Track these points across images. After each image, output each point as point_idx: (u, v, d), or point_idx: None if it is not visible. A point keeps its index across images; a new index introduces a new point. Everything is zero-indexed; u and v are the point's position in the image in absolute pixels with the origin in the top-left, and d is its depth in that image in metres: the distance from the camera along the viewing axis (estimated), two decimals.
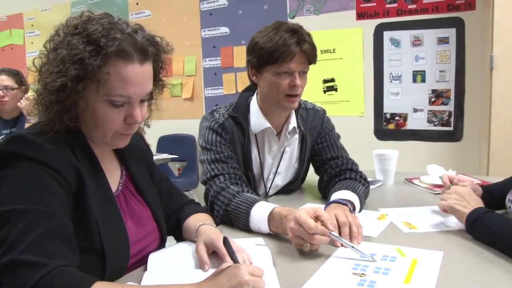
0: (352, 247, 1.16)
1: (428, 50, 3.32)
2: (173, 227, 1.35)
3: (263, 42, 1.60)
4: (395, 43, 3.43)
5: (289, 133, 1.77)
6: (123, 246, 1.07)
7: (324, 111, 1.92)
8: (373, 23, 3.47)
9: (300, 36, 1.59)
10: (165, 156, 3.71)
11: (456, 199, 1.35)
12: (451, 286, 0.98)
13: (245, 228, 1.40)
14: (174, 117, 4.28)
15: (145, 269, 1.09)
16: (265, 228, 1.35)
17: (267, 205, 1.38)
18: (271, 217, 1.34)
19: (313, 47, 1.62)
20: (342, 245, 1.22)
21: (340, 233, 1.24)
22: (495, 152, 2.65)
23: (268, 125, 1.73)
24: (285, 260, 1.15)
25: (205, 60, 4.23)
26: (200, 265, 1.08)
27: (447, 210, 1.38)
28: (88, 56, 0.95)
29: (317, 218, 1.20)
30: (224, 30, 4.10)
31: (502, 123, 2.62)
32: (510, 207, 1.47)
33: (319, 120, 1.87)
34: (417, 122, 3.45)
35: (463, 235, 1.29)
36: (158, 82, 1.15)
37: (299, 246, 1.19)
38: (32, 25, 5.43)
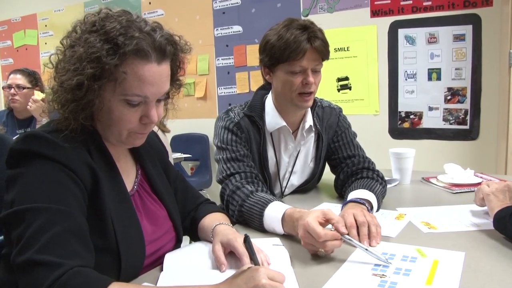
0: (366, 249, 1.12)
1: (443, 47, 3.27)
2: (188, 226, 1.34)
3: (274, 40, 1.58)
4: (410, 40, 3.38)
5: (305, 131, 1.76)
6: (139, 246, 1.07)
7: (340, 109, 1.90)
8: (387, 20, 3.43)
9: (311, 33, 1.56)
10: (178, 155, 3.71)
11: (497, 189, 1.32)
12: (476, 287, 0.96)
13: (260, 228, 1.38)
14: (187, 117, 4.28)
15: (161, 270, 1.08)
16: (279, 229, 1.33)
17: (280, 206, 1.36)
18: (284, 218, 1.32)
19: (325, 43, 1.60)
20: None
21: (358, 233, 1.23)
22: None
23: (284, 123, 1.71)
24: (303, 261, 1.13)
25: (218, 59, 4.22)
26: (217, 265, 1.07)
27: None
28: (105, 54, 0.94)
29: (327, 221, 1.17)
30: (237, 28, 4.09)
31: None
32: None
33: (335, 118, 1.85)
34: (432, 120, 3.40)
35: (485, 235, 1.26)
36: (175, 81, 1.14)
37: (313, 252, 1.18)
38: (46, 26, 5.47)
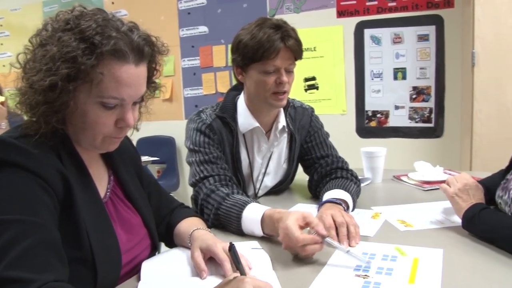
0: (348, 251, 1.11)
1: (408, 47, 3.34)
2: (163, 232, 1.30)
3: (247, 39, 1.56)
4: (376, 40, 3.43)
5: (278, 132, 1.74)
6: (115, 256, 1.02)
7: (312, 109, 1.90)
8: (353, 20, 3.47)
9: (285, 32, 1.55)
10: (145, 158, 3.63)
11: (459, 190, 1.34)
12: (456, 284, 0.96)
13: (238, 231, 1.36)
14: (152, 119, 4.16)
15: (139, 279, 1.04)
16: (258, 231, 1.31)
17: (259, 208, 1.34)
18: (263, 220, 1.30)
19: (298, 43, 1.59)
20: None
21: (337, 234, 1.22)
22: (478, 147, 2.68)
23: (257, 124, 1.69)
24: (284, 264, 1.11)
25: (184, 60, 4.16)
26: (197, 272, 1.04)
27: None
28: (81, 54, 0.89)
29: (307, 225, 1.16)
30: (203, 29, 4.04)
31: (484, 119, 2.64)
32: (500, 203, 1.47)
33: (308, 118, 1.85)
34: (398, 119, 3.46)
35: (460, 231, 1.28)
36: (151, 84, 1.09)
37: (294, 254, 1.16)
38: (2, 26, 5.26)
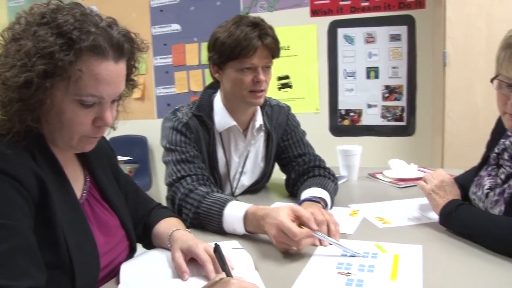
0: (338, 244, 1.14)
1: (381, 47, 3.38)
2: (141, 233, 1.27)
3: (224, 37, 1.54)
4: (349, 40, 3.46)
5: (255, 131, 1.73)
6: (93, 259, 0.99)
7: (289, 108, 1.90)
8: (327, 20, 3.49)
9: (262, 30, 1.54)
10: (118, 158, 3.56)
11: (435, 186, 1.36)
12: (437, 279, 0.98)
13: (218, 230, 1.34)
14: (124, 118, 4.10)
15: (118, 282, 1.01)
16: (240, 229, 1.30)
17: (240, 205, 1.33)
18: (246, 217, 1.29)
19: (275, 41, 1.59)
20: (328, 244, 1.19)
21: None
22: (450, 145, 2.73)
23: (234, 123, 1.67)
24: (265, 263, 1.11)
25: (156, 58, 4.10)
26: (179, 273, 1.01)
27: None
28: (59, 50, 0.85)
29: (297, 218, 1.17)
30: (176, 27, 3.99)
31: (455, 118, 2.70)
32: (474, 199, 1.50)
33: (284, 117, 1.85)
34: (371, 117, 3.50)
35: (437, 227, 1.30)
36: (129, 81, 1.06)
37: (285, 250, 1.16)
38: None
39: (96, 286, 1.00)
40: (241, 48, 1.51)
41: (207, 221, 1.37)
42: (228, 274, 0.86)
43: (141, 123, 4.06)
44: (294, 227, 1.11)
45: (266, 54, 1.56)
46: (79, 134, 0.96)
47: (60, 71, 0.87)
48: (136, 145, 4.15)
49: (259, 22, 1.56)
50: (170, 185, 1.54)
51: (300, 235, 1.11)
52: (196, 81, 3.94)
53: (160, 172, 4.08)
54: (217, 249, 0.90)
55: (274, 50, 1.58)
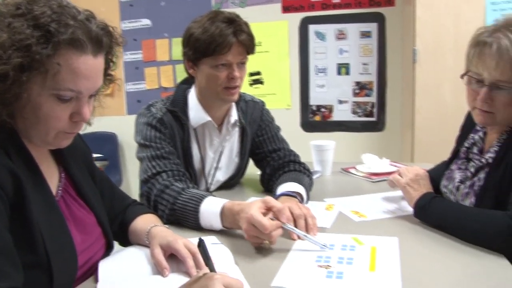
0: (305, 236, 1.16)
1: (351, 43, 3.43)
2: (117, 230, 1.24)
3: (199, 33, 1.53)
4: (320, 36, 3.49)
5: (230, 126, 1.73)
6: (71, 258, 0.96)
7: (263, 103, 1.90)
8: (298, 16, 3.51)
9: (237, 26, 1.54)
10: None
11: (410, 180, 1.39)
12: (414, 270, 1.00)
13: (195, 226, 1.33)
14: (93, 114, 4.02)
15: (96, 280, 0.99)
16: (217, 224, 1.29)
17: (217, 201, 1.33)
18: (223, 213, 1.29)
19: (250, 37, 1.59)
20: (298, 237, 1.20)
21: (296, 226, 1.23)
22: (419, 140, 2.80)
23: (209, 118, 1.66)
24: (246, 257, 1.11)
25: (126, 54, 4.03)
26: (159, 270, 1.00)
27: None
28: (36, 42, 0.82)
29: (269, 209, 1.18)
30: (146, 22, 3.93)
31: (425, 113, 2.76)
32: (445, 192, 1.54)
33: (259, 112, 1.85)
34: (342, 113, 3.55)
35: (411, 219, 1.33)
36: (106, 76, 1.04)
37: (258, 244, 1.16)
38: None
39: (74, 284, 0.98)
40: (216, 44, 1.50)
41: (183, 217, 1.36)
42: (212, 269, 0.86)
43: (111, 119, 3.97)
44: (264, 220, 1.11)
45: (241, 50, 1.56)
46: (55, 129, 0.93)
47: (37, 64, 0.84)
48: (106, 142, 4.07)
49: (234, 18, 1.55)
50: (145, 181, 1.52)
51: (271, 228, 1.11)
52: (166, 77, 3.90)
53: (130, 169, 4.02)
54: (201, 243, 0.89)
55: (249, 46, 1.58)
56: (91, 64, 0.91)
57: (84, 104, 0.93)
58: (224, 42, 1.50)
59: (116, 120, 3.97)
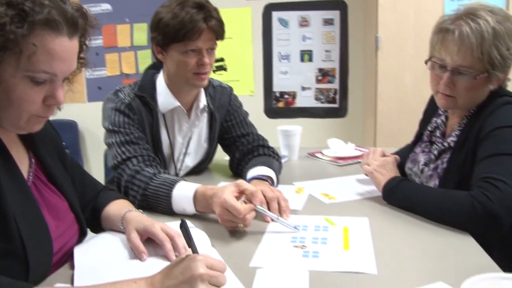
0: (278, 218, 1.18)
1: (314, 30, 3.46)
2: (89, 217, 1.22)
3: (168, 18, 1.51)
4: (284, 23, 3.51)
5: (199, 111, 1.72)
6: (46, 244, 0.95)
7: (231, 88, 1.90)
8: (261, 3, 3.50)
9: (207, 12, 1.53)
10: None
11: (377, 166, 1.43)
12: (386, 247, 1.04)
13: (167, 211, 1.33)
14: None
15: (72, 267, 0.97)
16: (190, 209, 1.30)
17: (189, 185, 1.33)
18: (195, 197, 1.29)
19: (220, 23, 1.58)
20: (272, 220, 1.22)
21: (269, 209, 1.25)
22: (381, 125, 2.87)
23: (178, 104, 1.65)
24: (221, 240, 1.12)
25: (89, 48, 3.91)
26: (136, 254, 1.00)
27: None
28: (10, 21, 0.79)
29: (242, 193, 1.19)
30: (106, 6, 3.81)
31: (387, 99, 2.84)
32: (410, 174, 1.60)
33: (227, 97, 1.85)
34: (305, 100, 3.59)
35: (379, 201, 1.38)
36: (79, 59, 1.02)
37: (232, 228, 1.17)
38: None
39: (49, 272, 0.96)
40: (186, 30, 1.49)
41: (155, 202, 1.36)
42: (195, 251, 0.86)
43: (71, 107, 3.85)
44: (237, 204, 1.13)
45: (211, 36, 1.55)
46: (28, 113, 0.90)
47: (11, 44, 0.81)
48: (65, 130, 3.95)
49: (204, 3, 1.54)
50: (115, 167, 1.50)
51: (244, 212, 1.13)
52: (128, 63, 3.82)
53: (92, 158, 3.92)
54: (183, 225, 0.89)
55: (219, 32, 1.57)
56: (66, 46, 0.88)
57: (58, 87, 0.91)
58: (195, 28, 1.49)
59: (76, 108, 3.86)
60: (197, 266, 0.78)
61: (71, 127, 3.97)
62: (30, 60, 0.84)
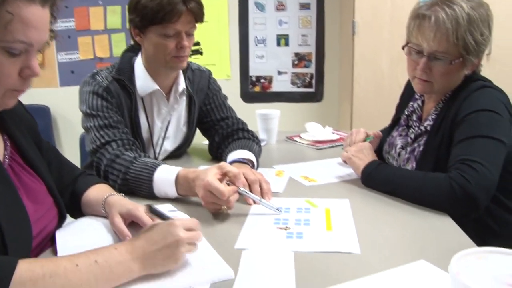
0: (260, 200, 1.20)
1: (291, 15, 3.45)
2: (68, 202, 1.20)
3: (146, 0, 1.49)
4: (260, 7, 3.49)
5: (178, 94, 1.71)
6: (25, 229, 0.93)
7: (210, 72, 1.89)
8: None
9: None
10: None
11: (354, 151, 1.45)
12: (367, 228, 1.07)
13: (149, 195, 1.33)
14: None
15: (55, 252, 0.96)
16: (172, 192, 1.30)
17: (170, 169, 1.33)
18: (177, 180, 1.29)
19: (200, 5, 1.56)
20: (254, 202, 1.23)
21: (251, 191, 1.26)
22: (357, 110, 2.91)
23: (157, 87, 1.63)
24: (203, 224, 1.09)
25: (56, 21, 3.81)
26: (121, 238, 0.99)
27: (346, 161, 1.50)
28: None
29: (224, 175, 1.20)
30: None
31: (363, 84, 2.87)
32: (387, 158, 1.63)
33: (206, 81, 1.84)
34: (281, 84, 3.59)
35: (358, 183, 1.40)
36: (49, 32, 0.99)
37: (216, 211, 1.18)
38: None
39: (29, 256, 0.94)
40: (165, 13, 1.46)
41: (136, 186, 1.35)
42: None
43: (42, 91, 3.78)
44: (221, 186, 1.14)
45: (190, 19, 1.53)
46: (5, 87, 0.87)
47: None
48: (37, 116, 3.78)
49: None
50: (94, 151, 1.48)
51: (228, 193, 1.13)
52: (102, 46, 3.74)
53: (65, 143, 3.85)
54: (150, 209, 0.90)
55: (198, 15, 1.55)
56: (40, 15, 0.86)
57: (34, 57, 0.88)
58: (174, 11, 1.46)
59: (48, 92, 3.77)
60: (177, 230, 0.83)
61: (43, 112, 3.88)
62: (6, 29, 0.81)
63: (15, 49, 0.84)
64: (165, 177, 1.31)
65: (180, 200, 1.30)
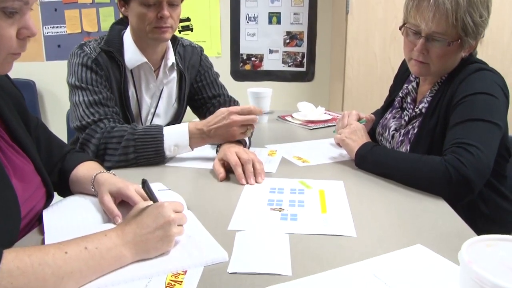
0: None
1: None
2: (56, 180, 1.17)
3: None
4: None
5: (168, 69, 1.67)
6: (14, 208, 0.90)
7: (201, 48, 1.85)
8: None
9: None
10: None
11: (348, 133, 1.43)
12: (362, 210, 1.05)
13: (154, 155, 1.38)
14: None
15: (42, 232, 0.93)
16: (184, 142, 1.39)
17: (178, 125, 1.43)
18: (190, 130, 1.39)
19: None
20: (247, 182, 1.22)
21: (244, 171, 1.24)
22: (349, 90, 2.88)
23: (145, 60, 1.59)
24: (195, 205, 1.08)
25: None
26: (110, 217, 0.97)
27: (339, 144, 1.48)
28: None
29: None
30: None
31: (355, 64, 2.83)
32: (381, 140, 1.62)
33: (197, 57, 1.80)
34: (272, 63, 3.54)
35: (352, 165, 1.38)
36: None
37: (241, 137, 1.40)
38: None
39: (19, 236, 0.92)
40: None
41: (142, 146, 1.37)
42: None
43: (28, 66, 3.68)
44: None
45: None
46: (7, 51, 0.83)
47: None
48: (23, 90, 3.73)
49: None
50: (82, 128, 1.44)
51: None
52: (89, 21, 3.64)
53: (52, 119, 3.77)
54: (145, 184, 0.88)
55: None
56: None
57: (29, 16, 0.84)
58: None
59: (34, 67, 3.69)
60: (168, 211, 0.83)
61: (28, 87, 3.79)
62: None
63: (11, 7, 0.80)
64: (175, 128, 1.40)
65: (174, 181, 1.26)
